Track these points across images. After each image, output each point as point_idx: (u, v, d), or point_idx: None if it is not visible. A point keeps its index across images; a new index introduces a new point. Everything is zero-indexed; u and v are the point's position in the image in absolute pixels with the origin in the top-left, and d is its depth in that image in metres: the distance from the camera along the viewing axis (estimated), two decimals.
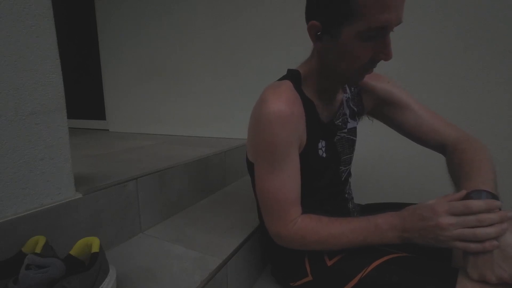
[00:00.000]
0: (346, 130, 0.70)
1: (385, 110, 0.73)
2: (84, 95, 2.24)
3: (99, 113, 2.14)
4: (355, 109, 0.73)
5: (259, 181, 0.61)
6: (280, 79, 0.64)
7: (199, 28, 1.53)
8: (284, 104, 0.56)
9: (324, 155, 0.65)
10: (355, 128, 0.74)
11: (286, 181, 0.58)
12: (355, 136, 0.75)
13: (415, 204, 0.52)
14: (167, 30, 1.65)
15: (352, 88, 0.73)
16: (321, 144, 0.65)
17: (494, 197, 0.46)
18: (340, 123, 0.69)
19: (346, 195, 0.73)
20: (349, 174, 0.75)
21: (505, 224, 0.43)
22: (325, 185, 0.67)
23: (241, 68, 1.45)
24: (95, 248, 0.47)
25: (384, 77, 0.73)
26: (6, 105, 0.48)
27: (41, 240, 0.45)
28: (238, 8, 1.39)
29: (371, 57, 0.51)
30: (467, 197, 0.47)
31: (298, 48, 1.26)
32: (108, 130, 2.08)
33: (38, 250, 0.43)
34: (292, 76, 0.63)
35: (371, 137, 1.13)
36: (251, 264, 0.75)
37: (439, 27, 1.01)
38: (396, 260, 0.54)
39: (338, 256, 0.59)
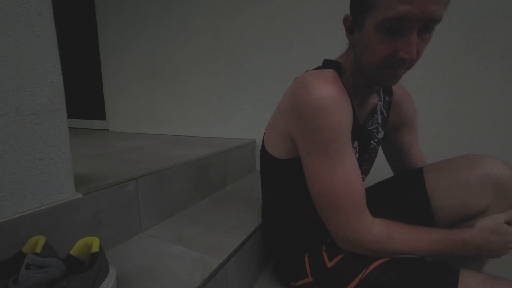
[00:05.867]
0: (377, 140, 0.68)
1: (399, 131, 0.74)
2: (84, 95, 2.24)
3: (99, 113, 2.14)
4: (386, 117, 0.70)
5: (317, 179, 0.53)
6: (318, 68, 0.59)
7: (199, 28, 1.53)
8: (336, 88, 0.51)
9: (357, 155, 0.61)
10: (382, 138, 0.71)
11: (352, 172, 0.52)
12: (379, 147, 0.72)
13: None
14: (167, 30, 1.65)
15: (386, 97, 0.69)
16: (355, 143, 0.61)
17: None
18: (374, 130, 0.66)
19: None
20: None
21: None
22: None
23: (241, 68, 1.45)
24: (95, 248, 0.47)
25: (411, 97, 0.74)
26: (6, 105, 0.48)
27: (41, 240, 0.45)
28: (238, 8, 1.39)
29: (390, 53, 0.47)
30: None
31: (299, 48, 1.27)
32: (108, 130, 2.08)
33: (38, 250, 0.43)
34: (334, 66, 0.58)
35: None
36: (251, 264, 0.75)
37: (439, 27, 1.01)
38: (396, 260, 0.54)
39: (338, 256, 0.58)
